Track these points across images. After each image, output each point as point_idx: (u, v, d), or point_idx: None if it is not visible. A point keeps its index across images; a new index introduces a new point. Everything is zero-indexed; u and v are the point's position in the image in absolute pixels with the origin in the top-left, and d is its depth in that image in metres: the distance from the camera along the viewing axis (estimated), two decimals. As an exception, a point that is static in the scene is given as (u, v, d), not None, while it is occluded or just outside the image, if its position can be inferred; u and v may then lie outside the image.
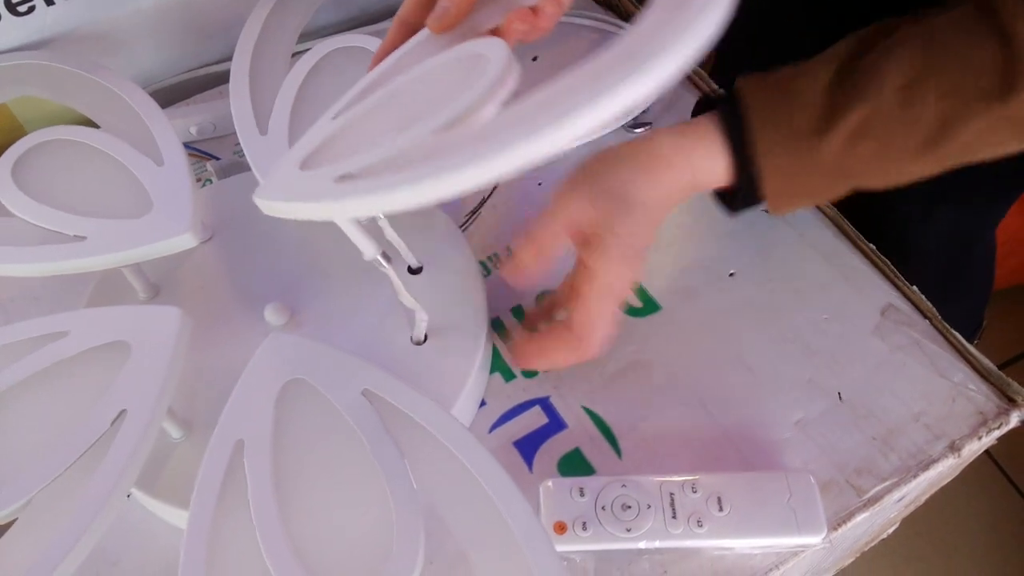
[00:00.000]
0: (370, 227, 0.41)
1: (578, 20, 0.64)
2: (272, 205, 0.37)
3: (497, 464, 0.34)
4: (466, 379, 0.43)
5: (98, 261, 0.43)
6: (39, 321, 0.39)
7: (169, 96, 0.62)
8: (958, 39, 0.39)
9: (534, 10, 0.38)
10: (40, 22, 0.55)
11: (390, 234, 0.46)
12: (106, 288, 0.48)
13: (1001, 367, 0.49)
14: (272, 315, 0.45)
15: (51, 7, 0.55)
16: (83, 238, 0.43)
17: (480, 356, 0.45)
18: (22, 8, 0.54)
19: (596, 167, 0.42)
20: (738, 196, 0.42)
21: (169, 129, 0.48)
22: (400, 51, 0.40)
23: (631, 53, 0.27)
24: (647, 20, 0.29)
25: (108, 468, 0.34)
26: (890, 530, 0.63)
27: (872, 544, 0.65)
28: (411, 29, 0.41)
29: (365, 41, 0.50)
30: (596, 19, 0.64)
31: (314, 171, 0.36)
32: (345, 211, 0.36)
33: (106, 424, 0.35)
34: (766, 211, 0.43)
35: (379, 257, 0.41)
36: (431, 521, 0.32)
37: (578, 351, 0.42)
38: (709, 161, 0.41)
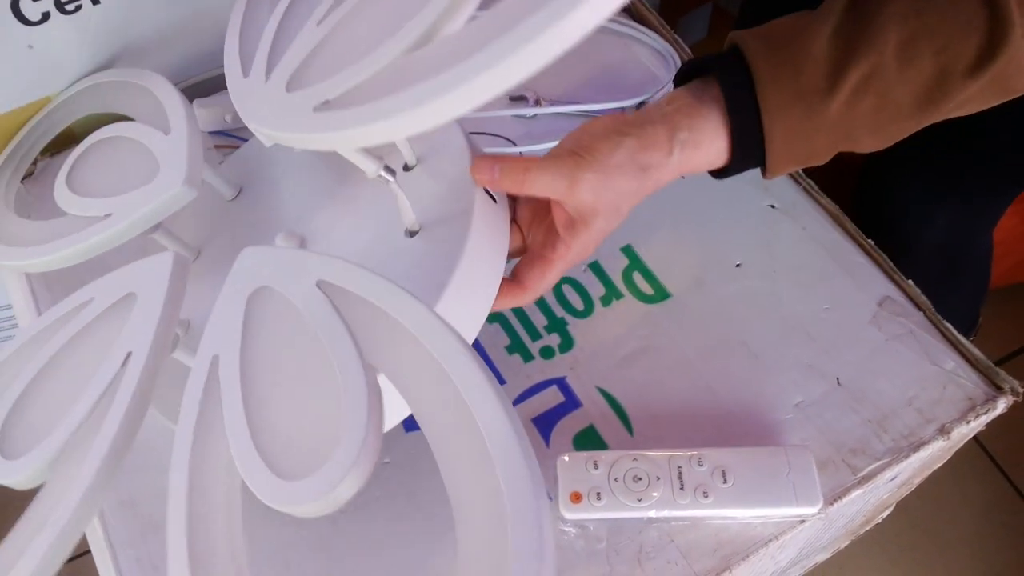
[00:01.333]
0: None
1: None
2: (265, 132, 0.38)
3: (442, 325, 0.32)
4: (456, 261, 0.41)
5: (121, 232, 0.45)
6: (72, 296, 0.40)
7: (207, 88, 0.65)
8: (945, 1, 0.40)
9: None
10: (86, 20, 0.58)
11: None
12: None
13: (997, 363, 0.52)
14: (282, 242, 0.45)
15: (97, 6, 0.58)
16: (109, 215, 0.46)
17: (470, 241, 0.42)
18: (70, 7, 0.57)
19: (587, 158, 0.41)
20: (734, 163, 0.43)
21: (176, 98, 0.50)
22: None
23: None
24: None
25: (117, 405, 0.35)
26: (884, 514, 0.66)
27: (867, 528, 0.68)
28: None
29: None
30: (609, 19, 0.67)
31: (296, 94, 0.37)
32: (325, 143, 0.36)
33: (116, 368, 0.36)
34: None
35: (383, 174, 0.41)
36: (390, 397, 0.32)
37: (520, 302, 0.44)
38: (707, 153, 0.42)
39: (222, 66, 0.53)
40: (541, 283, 0.44)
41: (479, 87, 0.29)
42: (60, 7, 0.56)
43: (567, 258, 0.43)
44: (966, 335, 0.83)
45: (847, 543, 0.69)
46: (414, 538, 0.45)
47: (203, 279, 0.46)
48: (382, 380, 0.32)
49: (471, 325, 0.42)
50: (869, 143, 0.43)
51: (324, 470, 0.28)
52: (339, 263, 0.35)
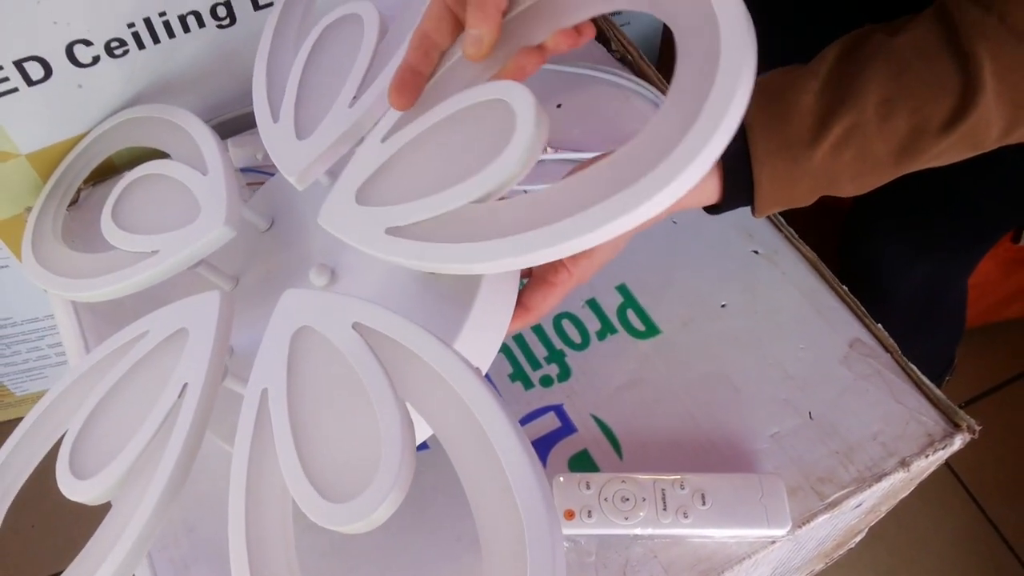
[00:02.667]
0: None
1: (597, 73, 0.72)
2: (330, 228, 0.43)
3: (468, 368, 0.36)
4: (471, 302, 0.45)
5: (168, 268, 0.50)
6: (129, 328, 0.45)
7: (237, 126, 0.70)
8: (922, 61, 0.43)
9: (578, 29, 0.41)
10: (131, 63, 0.63)
11: None
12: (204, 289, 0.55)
13: (973, 400, 0.56)
14: (315, 277, 0.49)
15: (142, 51, 0.63)
16: (156, 252, 0.50)
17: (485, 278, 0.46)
18: (118, 52, 0.62)
19: None
20: (725, 202, 0.47)
21: (211, 139, 0.55)
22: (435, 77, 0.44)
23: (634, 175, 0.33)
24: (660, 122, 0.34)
25: (177, 433, 0.39)
26: (856, 539, 0.70)
27: (840, 552, 0.72)
28: (434, 45, 0.43)
29: (357, 7, 0.53)
30: (613, 73, 0.72)
31: (367, 209, 0.42)
32: (392, 261, 0.41)
33: (174, 398, 0.40)
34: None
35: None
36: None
37: (525, 324, 0.48)
38: (700, 192, 0.45)
39: (246, 105, 0.58)
40: (543, 306, 0.48)
41: (529, 260, 0.35)
42: (109, 51, 0.62)
43: (568, 283, 0.47)
44: (942, 375, 0.88)
45: (821, 566, 0.73)
46: (419, 546, 0.49)
47: (243, 306, 0.51)
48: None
49: (488, 350, 0.46)
50: (850, 189, 0.46)
51: (367, 494, 0.33)
52: (372, 307, 0.39)
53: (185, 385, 0.40)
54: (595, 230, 0.34)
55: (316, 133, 0.49)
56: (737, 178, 0.45)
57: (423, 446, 0.53)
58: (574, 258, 0.47)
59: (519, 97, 0.38)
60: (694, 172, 0.32)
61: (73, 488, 0.39)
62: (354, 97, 0.47)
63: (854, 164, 0.43)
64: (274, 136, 0.51)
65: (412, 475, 0.34)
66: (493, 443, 0.33)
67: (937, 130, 0.43)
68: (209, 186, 0.52)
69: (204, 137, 0.56)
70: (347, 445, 0.36)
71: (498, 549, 0.32)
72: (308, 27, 0.55)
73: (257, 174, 0.66)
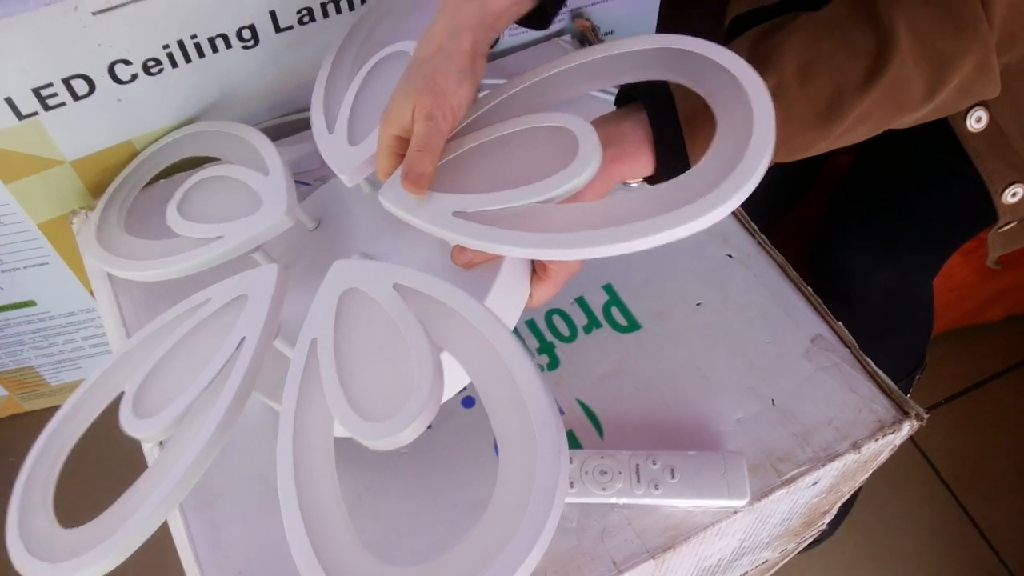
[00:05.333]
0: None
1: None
2: (393, 209, 0.50)
3: (495, 319, 0.43)
4: (489, 288, 0.50)
5: (232, 249, 0.57)
6: (192, 297, 0.52)
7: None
8: (838, 28, 0.46)
9: None
10: (165, 79, 0.70)
11: None
12: None
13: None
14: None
15: (175, 69, 0.70)
16: (220, 237, 0.58)
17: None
18: (154, 70, 0.69)
19: None
20: (659, 171, 0.50)
21: (271, 148, 0.63)
22: (500, 96, 0.53)
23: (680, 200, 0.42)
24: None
25: (233, 378, 0.45)
26: (825, 519, 0.76)
27: (811, 532, 0.78)
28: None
29: (408, 47, 0.62)
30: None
31: (432, 193, 0.49)
32: (453, 240, 0.49)
33: (232, 350, 0.47)
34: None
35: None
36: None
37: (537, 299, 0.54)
38: (635, 166, 0.50)
39: (271, 118, 0.65)
40: (543, 299, 0.54)
41: (572, 255, 0.43)
42: (146, 70, 0.69)
43: (565, 271, 0.53)
44: (913, 373, 0.94)
45: (794, 544, 0.79)
46: (419, 511, 0.55)
47: (292, 290, 0.56)
48: (446, 359, 0.43)
49: (510, 319, 0.53)
50: (782, 152, 0.48)
51: (399, 415, 0.40)
52: (411, 271, 0.46)
53: (243, 339, 0.47)
54: (629, 240, 0.42)
55: (366, 140, 0.57)
56: (670, 142, 0.49)
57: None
58: None
59: (586, 132, 0.47)
60: (723, 211, 0.42)
61: (134, 426, 0.45)
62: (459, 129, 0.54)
63: (782, 126, 0.44)
64: (329, 142, 0.60)
65: (438, 406, 0.40)
66: (518, 381, 0.40)
67: (856, 87, 0.47)
68: (270, 183, 0.60)
69: (264, 144, 0.64)
70: (384, 379, 0.42)
71: (514, 461, 0.38)
72: (362, 61, 0.64)
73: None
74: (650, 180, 0.53)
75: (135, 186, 0.72)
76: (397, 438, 0.40)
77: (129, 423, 0.46)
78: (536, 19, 0.57)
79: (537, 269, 0.54)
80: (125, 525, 0.41)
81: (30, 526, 0.44)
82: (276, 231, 0.58)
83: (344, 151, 0.58)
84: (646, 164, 0.51)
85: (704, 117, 0.47)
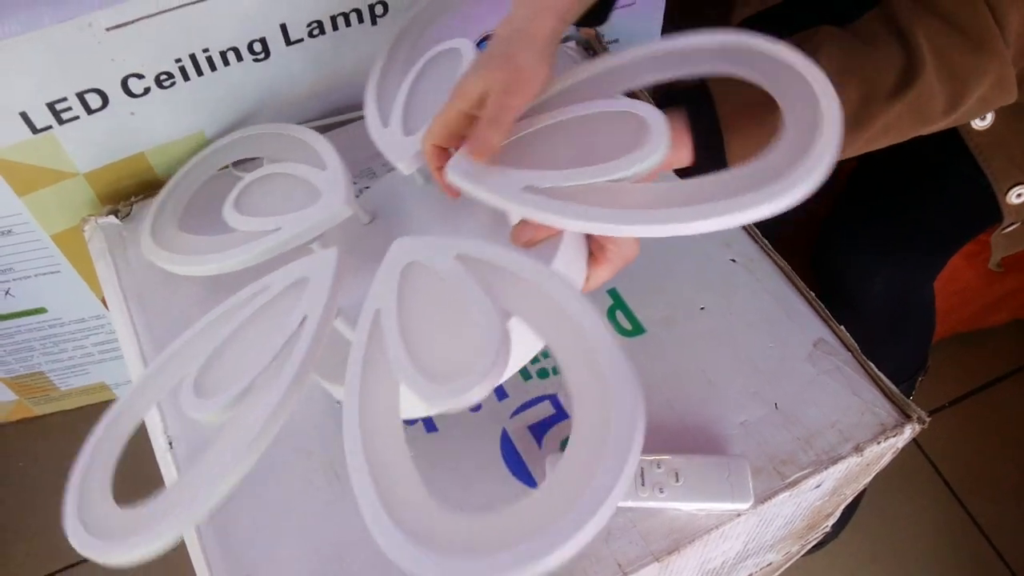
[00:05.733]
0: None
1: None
2: (460, 182, 0.50)
3: (561, 280, 0.43)
4: (555, 250, 0.51)
5: (292, 238, 0.59)
6: (254, 284, 0.52)
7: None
8: (868, 43, 0.48)
9: None
10: (178, 94, 0.71)
11: None
12: None
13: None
14: None
15: (187, 82, 0.71)
16: (279, 228, 0.60)
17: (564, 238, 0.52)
18: (167, 83, 0.70)
19: None
20: (698, 165, 0.52)
21: (328, 145, 0.65)
22: (566, 83, 0.54)
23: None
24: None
25: (295, 355, 0.46)
26: (828, 522, 0.77)
27: (815, 534, 0.79)
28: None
29: (460, 44, 0.63)
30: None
31: (502, 169, 0.50)
32: (521, 214, 0.49)
33: (295, 327, 0.47)
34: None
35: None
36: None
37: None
38: (675, 158, 0.51)
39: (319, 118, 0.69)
40: (597, 284, 0.54)
41: (639, 232, 0.44)
42: (159, 83, 0.70)
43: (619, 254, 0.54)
44: (915, 375, 0.94)
45: (798, 547, 0.79)
46: (446, 486, 0.56)
47: (349, 278, 0.56)
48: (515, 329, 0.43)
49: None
50: None
51: (465, 378, 0.40)
52: (475, 241, 0.47)
53: (304, 318, 0.48)
54: (692, 221, 0.43)
55: (421, 132, 0.57)
56: (709, 140, 0.50)
57: (432, 428, 0.60)
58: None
59: (656, 118, 0.48)
60: (788, 199, 0.42)
61: (195, 406, 0.45)
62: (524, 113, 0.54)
63: None
64: (384, 135, 0.62)
65: (503, 372, 0.41)
66: (589, 337, 0.41)
67: (886, 97, 0.48)
68: (329, 177, 0.62)
69: (321, 143, 0.66)
70: (449, 344, 0.43)
71: (589, 417, 0.39)
72: (415, 57, 0.65)
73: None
74: (682, 173, 0.54)
75: (189, 188, 0.72)
76: (463, 398, 0.40)
77: (190, 404, 0.46)
78: (592, 17, 0.58)
79: (595, 251, 0.54)
80: (195, 494, 0.42)
81: (89, 507, 0.44)
82: (336, 220, 0.59)
83: (399, 141, 0.60)
84: (684, 157, 0.52)
85: (747, 119, 0.49)
